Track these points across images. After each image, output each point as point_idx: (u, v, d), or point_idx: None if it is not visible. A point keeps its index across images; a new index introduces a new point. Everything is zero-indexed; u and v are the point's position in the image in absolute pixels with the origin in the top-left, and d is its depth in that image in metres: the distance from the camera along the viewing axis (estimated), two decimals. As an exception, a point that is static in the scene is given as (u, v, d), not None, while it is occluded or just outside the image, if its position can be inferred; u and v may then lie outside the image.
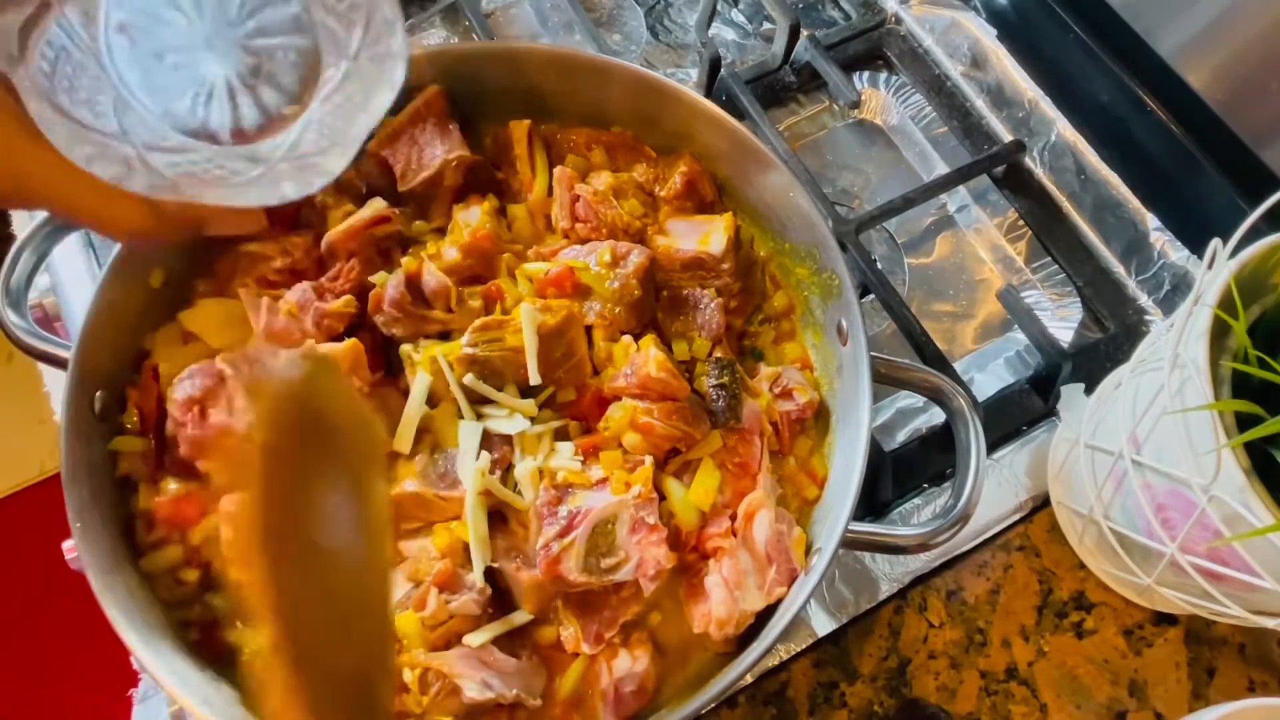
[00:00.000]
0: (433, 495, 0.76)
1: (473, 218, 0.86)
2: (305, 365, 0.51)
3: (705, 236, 0.88)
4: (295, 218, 0.89)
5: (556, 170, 0.90)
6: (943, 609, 0.92)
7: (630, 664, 0.75)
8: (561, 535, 0.73)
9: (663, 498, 0.78)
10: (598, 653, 0.75)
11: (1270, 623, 0.76)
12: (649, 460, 0.77)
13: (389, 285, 0.82)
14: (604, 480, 0.76)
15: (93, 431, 0.77)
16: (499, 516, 0.78)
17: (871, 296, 1.04)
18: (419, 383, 0.79)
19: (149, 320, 0.83)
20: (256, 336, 0.81)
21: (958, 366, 1.04)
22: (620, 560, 0.74)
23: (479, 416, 0.79)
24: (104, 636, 0.66)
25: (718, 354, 0.85)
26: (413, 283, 0.82)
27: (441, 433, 0.79)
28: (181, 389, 0.78)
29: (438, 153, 0.88)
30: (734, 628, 0.75)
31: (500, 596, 0.77)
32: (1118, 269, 1.10)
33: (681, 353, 0.84)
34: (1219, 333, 0.73)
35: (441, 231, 0.89)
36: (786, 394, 0.85)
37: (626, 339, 0.83)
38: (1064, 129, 1.13)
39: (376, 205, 0.86)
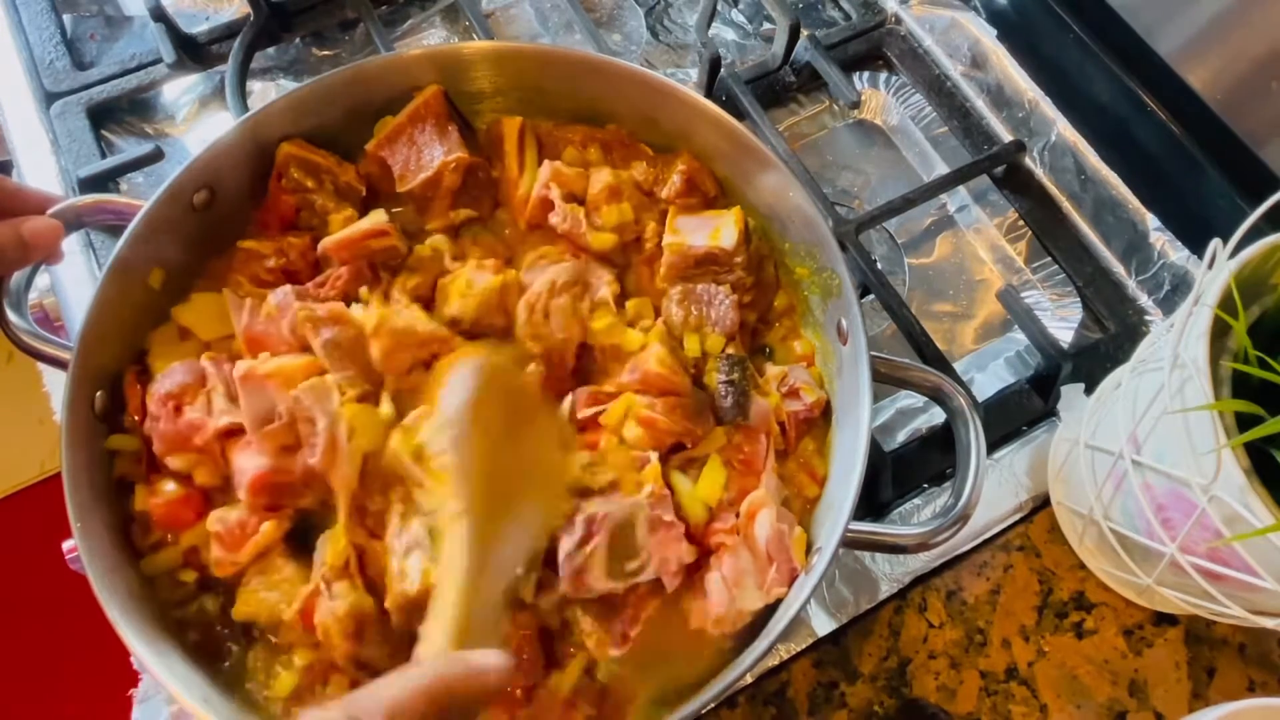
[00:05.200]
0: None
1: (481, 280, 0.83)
2: (494, 361, 0.77)
3: (716, 231, 0.87)
4: (295, 219, 0.89)
5: (543, 166, 0.89)
6: (943, 609, 0.92)
7: (630, 663, 0.75)
8: (582, 544, 0.72)
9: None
10: (624, 652, 0.74)
11: (1270, 623, 0.76)
12: (654, 457, 0.77)
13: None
14: (614, 483, 0.76)
15: (93, 431, 0.76)
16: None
17: (871, 296, 1.04)
18: None
19: (149, 320, 0.83)
20: (237, 338, 0.80)
21: (958, 366, 1.03)
22: (643, 561, 0.73)
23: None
24: (104, 636, 0.66)
25: (730, 350, 0.84)
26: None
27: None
28: (160, 385, 0.77)
29: (436, 154, 0.88)
30: (731, 626, 0.75)
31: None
32: (1118, 269, 1.10)
33: (693, 349, 0.83)
34: (1219, 333, 0.73)
35: (440, 233, 0.88)
36: (793, 393, 0.84)
37: (633, 332, 0.82)
38: (1064, 129, 1.13)
39: (376, 218, 0.85)
